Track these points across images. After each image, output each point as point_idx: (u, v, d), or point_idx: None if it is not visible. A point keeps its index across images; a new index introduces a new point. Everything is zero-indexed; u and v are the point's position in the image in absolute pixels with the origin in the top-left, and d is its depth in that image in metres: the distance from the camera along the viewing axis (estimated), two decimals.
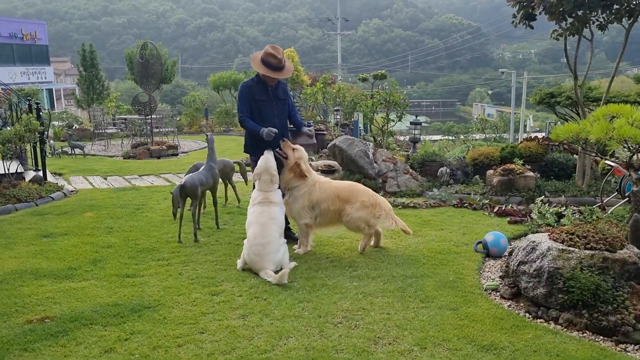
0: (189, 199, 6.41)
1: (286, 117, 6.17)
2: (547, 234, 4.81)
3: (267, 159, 5.61)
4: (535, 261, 4.52)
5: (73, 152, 14.41)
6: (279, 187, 5.73)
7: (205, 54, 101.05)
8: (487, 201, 7.92)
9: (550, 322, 4.27)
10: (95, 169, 12.11)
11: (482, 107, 68.92)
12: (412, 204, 8.01)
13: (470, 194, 8.60)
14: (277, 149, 5.83)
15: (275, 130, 5.79)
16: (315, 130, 14.51)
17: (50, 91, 42.07)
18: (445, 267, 5.41)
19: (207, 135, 6.85)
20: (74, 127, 20.72)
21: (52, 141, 14.73)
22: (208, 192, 6.97)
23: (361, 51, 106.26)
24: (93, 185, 10.21)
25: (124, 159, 14.22)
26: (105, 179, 10.99)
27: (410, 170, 9.42)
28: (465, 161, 9.51)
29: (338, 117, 14.72)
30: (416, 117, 10.10)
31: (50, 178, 10.19)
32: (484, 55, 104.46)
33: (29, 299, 4.62)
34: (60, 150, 14.56)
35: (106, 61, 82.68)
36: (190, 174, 6.50)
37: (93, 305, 4.48)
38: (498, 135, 23.20)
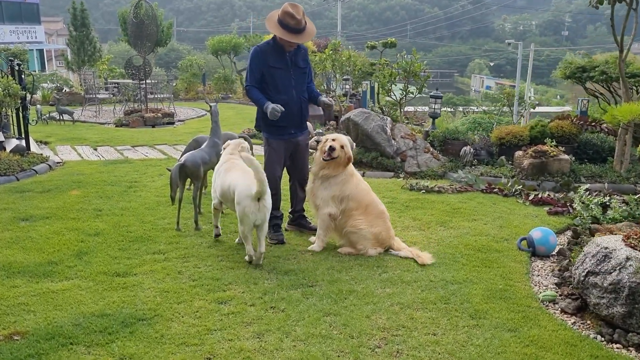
0: (189, 180, 5.59)
1: (305, 88, 5.31)
2: (621, 238, 4.01)
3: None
4: (610, 273, 3.74)
5: (61, 117, 13.44)
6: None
7: (201, 17, 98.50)
8: (520, 187, 7.12)
9: (630, 348, 3.52)
10: (84, 138, 11.20)
11: (481, 79, 67.76)
12: (436, 188, 7.20)
13: (496, 176, 7.80)
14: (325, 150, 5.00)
15: (280, 108, 4.92)
16: None
17: (40, 52, 40.56)
18: (490, 270, 4.63)
19: (210, 106, 5.97)
20: (63, 91, 19.65)
21: (39, 106, 13.75)
22: (210, 172, 6.13)
23: (360, 19, 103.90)
24: (82, 157, 9.33)
25: (116, 126, 13.28)
26: (95, 149, 10.10)
27: (431, 149, 8.59)
28: (489, 140, 8.68)
29: (347, 86, 13.77)
30: (437, 89, 9.21)
31: (34, 148, 9.30)
32: (485, 26, 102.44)
33: None
34: (47, 116, 13.58)
35: (100, 22, 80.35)
36: (192, 152, 5.64)
37: (75, 316, 3.68)
38: (497, 108, 22.29)
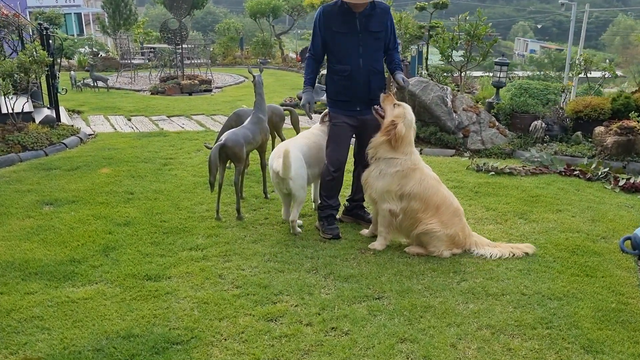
0: (229, 161, 4.88)
1: (380, 57, 4.43)
2: None
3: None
4: None
5: (95, 84, 12.90)
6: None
7: None
8: (607, 169, 6.18)
9: None
10: (118, 107, 10.61)
11: (525, 42, 64.87)
12: (507, 170, 6.31)
13: (573, 155, 6.86)
14: (375, 106, 4.22)
15: (311, 103, 4.43)
16: None
17: (78, 15, 40.19)
18: (593, 281, 3.80)
19: (254, 76, 5.20)
20: (99, 56, 19.17)
21: (72, 72, 13.23)
22: (254, 152, 5.41)
23: None
24: (115, 128, 8.73)
25: (152, 94, 12.69)
26: (129, 119, 9.50)
27: (497, 124, 7.65)
28: (563, 113, 7.68)
29: None
30: (502, 55, 8.20)
31: (65, 118, 8.73)
32: None
33: (6, 320, 3.20)
34: (81, 83, 13.07)
35: None
36: (233, 130, 4.90)
37: (97, 336, 3.05)
38: (543, 72, 20.84)
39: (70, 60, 19.85)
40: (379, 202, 4.23)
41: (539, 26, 71.76)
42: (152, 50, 18.06)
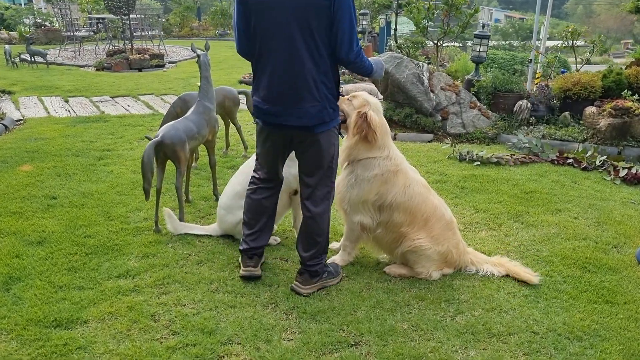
0: (169, 161, 4.00)
1: (322, 55, 2.87)
2: None
3: None
4: None
5: (33, 59, 11.64)
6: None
7: None
8: (604, 158, 5.51)
9: None
10: (56, 86, 9.48)
11: (490, 11, 64.51)
12: (494, 159, 5.59)
13: (563, 139, 6.20)
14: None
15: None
16: None
17: None
18: (615, 310, 3.11)
19: (198, 55, 4.28)
20: (42, 27, 17.66)
21: (7, 46, 11.90)
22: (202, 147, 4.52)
23: None
24: (48, 112, 7.66)
25: (97, 70, 11.52)
26: (67, 101, 8.41)
27: (478, 104, 6.91)
28: (550, 92, 6.98)
29: (364, 22, 11.84)
30: (483, 27, 7.43)
31: None
32: None
33: None
34: (18, 58, 11.79)
35: None
36: (172, 123, 4.01)
37: None
38: (507, 42, 20.26)
39: (10, 33, 18.28)
40: (348, 213, 3.43)
41: None
42: (99, 20, 16.67)
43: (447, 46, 14.35)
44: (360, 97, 3.31)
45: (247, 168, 3.68)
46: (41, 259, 3.53)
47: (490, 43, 19.21)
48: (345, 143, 3.35)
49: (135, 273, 3.40)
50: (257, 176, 3.32)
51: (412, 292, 3.25)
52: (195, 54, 4.27)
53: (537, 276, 3.37)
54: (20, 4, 28.00)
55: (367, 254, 3.71)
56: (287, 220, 4.15)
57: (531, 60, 7.81)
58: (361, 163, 3.30)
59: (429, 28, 8.19)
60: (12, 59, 11.49)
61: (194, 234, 3.90)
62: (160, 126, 4.70)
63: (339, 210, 3.62)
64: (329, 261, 3.45)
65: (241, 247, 3.39)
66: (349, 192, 3.34)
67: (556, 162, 5.61)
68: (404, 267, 3.44)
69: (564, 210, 4.48)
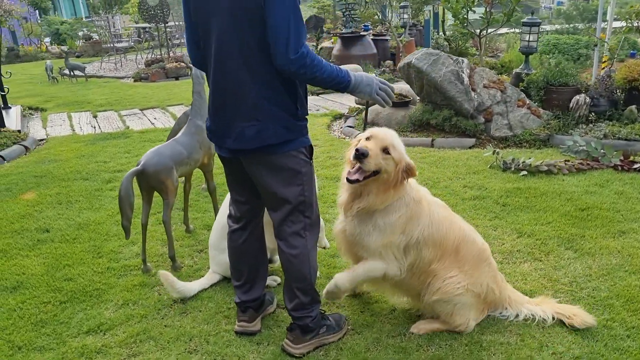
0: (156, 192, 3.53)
1: (261, 62, 2.24)
2: None
3: None
4: None
5: (72, 74, 11.62)
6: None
7: None
8: None
9: None
10: (88, 101, 9.33)
11: None
12: (544, 167, 4.82)
13: (629, 139, 5.34)
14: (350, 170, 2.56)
15: None
16: (374, 35, 11.09)
17: None
18: None
19: (190, 69, 3.80)
20: (90, 40, 17.90)
21: (48, 62, 11.95)
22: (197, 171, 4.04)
23: None
24: (73, 130, 7.45)
25: (134, 81, 11.37)
26: (95, 117, 8.21)
27: (527, 101, 6.11)
28: (612, 83, 6.08)
29: (406, 15, 11.11)
30: (532, 13, 6.60)
31: (13, 121, 7.48)
32: None
33: None
34: (59, 72, 11.81)
35: None
36: (157, 148, 3.53)
37: None
38: (572, 25, 18.84)
39: (61, 47, 18.66)
40: (371, 259, 2.67)
41: None
42: (145, 29, 16.68)
43: (505, 33, 13.34)
44: (397, 149, 2.50)
45: None
46: (9, 310, 3.14)
47: (553, 27, 17.97)
48: (350, 188, 2.61)
49: (108, 327, 2.94)
50: (231, 213, 2.76)
51: (430, 351, 2.62)
52: (188, 67, 3.79)
53: (594, 320, 2.68)
54: (82, 17, 28.80)
55: (380, 299, 3.11)
56: None
57: (597, 43, 6.92)
58: (380, 212, 2.60)
59: (472, 18, 7.40)
60: (53, 75, 11.51)
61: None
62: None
63: (348, 258, 2.97)
64: (324, 292, 2.80)
65: (235, 299, 2.86)
66: (367, 239, 2.62)
67: (620, 168, 4.78)
68: (435, 321, 2.78)
69: (629, 232, 3.69)
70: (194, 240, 3.97)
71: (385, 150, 2.47)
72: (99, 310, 3.11)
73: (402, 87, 6.96)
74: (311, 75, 2.18)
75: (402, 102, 6.42)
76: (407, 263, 2.64)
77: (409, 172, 2.53)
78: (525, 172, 4.78)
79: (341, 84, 2.29)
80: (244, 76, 2.24)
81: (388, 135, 2.52)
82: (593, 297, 2.98)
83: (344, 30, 10.21)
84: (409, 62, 6.12)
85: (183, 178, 3.90)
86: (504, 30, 15.54)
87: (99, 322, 2.99)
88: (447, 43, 12.36)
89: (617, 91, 6.06)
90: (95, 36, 18.77)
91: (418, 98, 6.42)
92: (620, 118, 5.88)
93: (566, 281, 3.16)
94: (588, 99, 5.92)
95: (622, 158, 4.89)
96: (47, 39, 21.43)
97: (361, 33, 10.13)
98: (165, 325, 2.94)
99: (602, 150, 5.03)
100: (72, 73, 11.57)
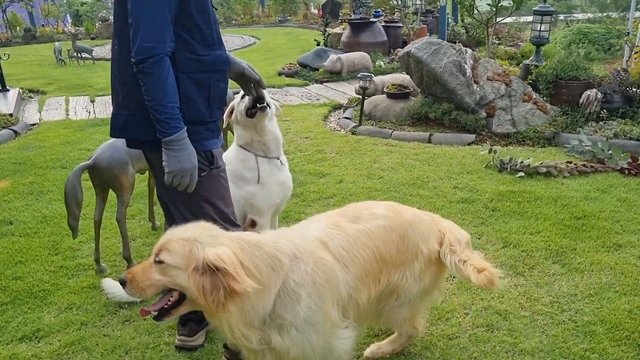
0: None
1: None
2: None
3: None
4: None
5: (79, 55, 11.49)
6: None
7: None
8: None
9: None
10: (90, 84, 9.17)
11: None
12: (543, 168, 4.47)
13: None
14: None
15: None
16: (385, 21, 10.69)
17: None
18: None
19: None
20: (106, 22, 17.79)
21: (57, 44, 11.82)
22: None
23: None
24: (67, 115, 7.30)
25: None
26: (93, 101, 8.04)
27: (534, 96, 5.73)
28: (627, 78, 5.66)
29: (418, 1, 10.70)
30: (544, 1, 6.19)
31: (7, 105, 7.36)
32: None
33: None
34: (68, 55, 11.69)
35: None
36: (112, 141, 3.29)
37: None
38: (605, 14, 18.05)
39: (78, 28, 18.59)
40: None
41: None
42: None
43: (532, 22, 12.79)
44: (174, 242, 1.85)
45: None
46: None
47: (585, 16, 17.27)
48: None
49: (44, 334, 2.75)
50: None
51: None
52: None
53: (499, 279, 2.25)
54: None
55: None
56: None
57: (629, 32, 6.49)
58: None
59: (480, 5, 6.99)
60: (61, 57, 11.40)
61: None
62: None
63: None
64: None
65: None
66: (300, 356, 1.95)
67: (627, 172, 4.41)
68: (394, 341, 2.50)
69: (626, 245, 3.35)
70: (160, 237, 3.74)
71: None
72: (40, 315, 2.91)
73: (403, 77, 6.62)
74: (145, 83, 1.93)
75: (401, 94, 6.08)
76: (353, 315, 2.14)
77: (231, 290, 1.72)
78: (522, 174, 4.44)
79: (165, 123, 1.96)
80: (121, 62, 2.11)
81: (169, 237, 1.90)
82: (574, 322, 2.67)
83: (352, 16, 9.85)
84: (409, 52, 5.78)
85: (147, 173, 3.68)
86: (530, 17, 14.92)
87: (36, 328, 2.79)
88: (464, 31, 11.90)
89: (633, 87, 5.63)
90: (111, 18, 18.67)
91: (417, 89, 6.08)
92: (634, 116, 5.47)
93: (547, 301, 2.85)
94: (600, 95, 5.52)
95: (630, 161, 4.50)
96: (68, 20, 21.45)
97: (371, 19, 9.75)
98: (104, 335, 2.73)
99: (608, 152, 4.66)
100: (79, 55, 11.44)
